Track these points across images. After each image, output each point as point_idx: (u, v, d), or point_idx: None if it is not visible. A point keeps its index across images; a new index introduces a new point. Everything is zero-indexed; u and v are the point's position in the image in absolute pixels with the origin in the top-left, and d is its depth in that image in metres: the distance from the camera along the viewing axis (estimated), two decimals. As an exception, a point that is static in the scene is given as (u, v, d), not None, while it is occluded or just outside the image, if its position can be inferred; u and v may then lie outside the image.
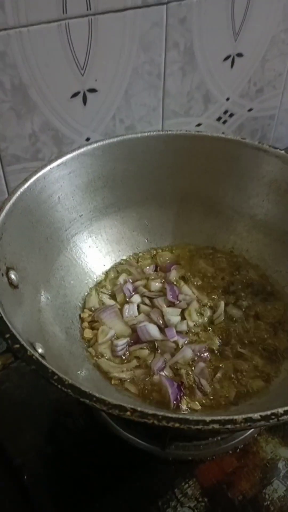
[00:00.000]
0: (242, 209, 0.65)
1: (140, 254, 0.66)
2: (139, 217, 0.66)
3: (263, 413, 0.34)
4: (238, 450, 0.54)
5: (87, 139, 0.73)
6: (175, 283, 0.62)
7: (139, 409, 0.34)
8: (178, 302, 0.59)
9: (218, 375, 0.52)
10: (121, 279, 0.62)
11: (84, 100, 0.69)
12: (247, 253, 0.65)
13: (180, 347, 0.55)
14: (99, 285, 0.62)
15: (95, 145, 0.59)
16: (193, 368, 0.53)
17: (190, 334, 0.57)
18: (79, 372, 0.51)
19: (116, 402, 0.35)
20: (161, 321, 0.57)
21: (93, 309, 0.59)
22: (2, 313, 0.41)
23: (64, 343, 0.53)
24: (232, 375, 0.53)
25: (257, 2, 0.75)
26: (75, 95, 0.67)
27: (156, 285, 0.62)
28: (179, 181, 0.65)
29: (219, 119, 0.85)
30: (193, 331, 0.57)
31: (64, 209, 0.58)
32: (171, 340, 0.55)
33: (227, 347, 0.55)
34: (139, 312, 0.59)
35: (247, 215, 0.65)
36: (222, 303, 0.59)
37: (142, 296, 0.61)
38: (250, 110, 0.89)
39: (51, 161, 0.56)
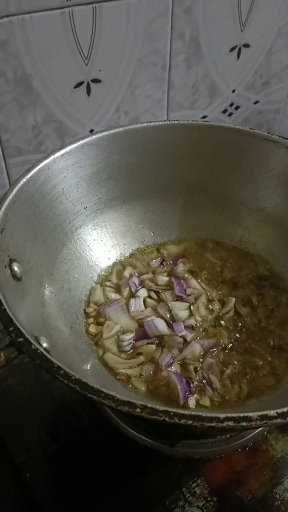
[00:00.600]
0: (250, 202, 0.63)
1: (146, 248, 0.65)
2: (145, 210, 0.64)
3: (279, 410, 0.33)
4: (247, 448, 0.53)
5: (91, 131, 0.71)
6: (182, 276, 0.61)
7: (149, 405, 0.33)
8: (186, 296, 0.58)
9: (228, 371, 0.51)
10: (126, 273, 0.61)
11: (88, 91, 0.67)
12: (255, 246, 0.64)
13: (188, 342, 0.53)
14: (104, 279, 0.61)
15: (100, 134, 0.57)
16: (201, 364, 0.52)
17: (200, 329, 0.55)
18: (84, 367, 0.50)
19: (125, 399, 0.33)
20: (168, 316, 0.56)
21: (98, 303, 0.57)
22: (6, 306, 0.39)
23: (69, 338, 0.51)
24: (243, 371, 0.51)
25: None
26: (78, 85, 0.66)
27: (162, 279, 0.60)
28: (186, 173, 0.63)
29: (224, 111, 0.84)
30: (201, 326, 0.56)
31: (68, 201, 0.57)
32: (179, 335, 0.54)
33: (237, 342, 0.54)
34: (145, 307, 0.57)
35: (255, 208, 0.63)
36: (233, 299, 0.58)
37: (149, 290, 0.59)
38: (255, 102, 0.87)
39: (55, 151, 0.55)
